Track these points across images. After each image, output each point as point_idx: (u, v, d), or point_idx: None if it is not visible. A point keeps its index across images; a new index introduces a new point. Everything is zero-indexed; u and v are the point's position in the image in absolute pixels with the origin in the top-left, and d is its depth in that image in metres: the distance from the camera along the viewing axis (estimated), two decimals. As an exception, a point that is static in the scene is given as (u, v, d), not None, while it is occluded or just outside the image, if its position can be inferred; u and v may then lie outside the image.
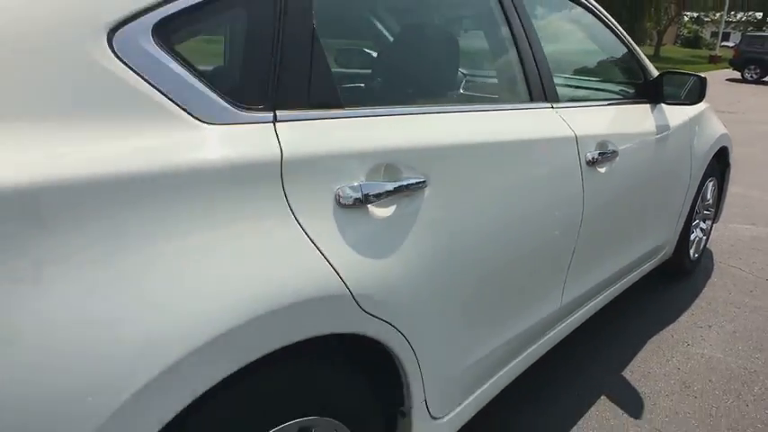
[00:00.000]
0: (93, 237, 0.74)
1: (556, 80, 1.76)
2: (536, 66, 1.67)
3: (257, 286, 0.88)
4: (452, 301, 1.29)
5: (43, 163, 0.72)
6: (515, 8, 1.62)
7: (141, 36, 0.86)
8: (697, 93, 2.28)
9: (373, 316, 1.06)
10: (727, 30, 39.32)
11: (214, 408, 0.87)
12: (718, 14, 33.83)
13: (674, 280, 2.98)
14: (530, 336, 1.70)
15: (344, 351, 1.13)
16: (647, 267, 2.55)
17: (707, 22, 39.64)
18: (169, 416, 0.79)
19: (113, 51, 0.83)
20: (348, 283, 1.00)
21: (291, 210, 0.95)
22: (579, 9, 2.08)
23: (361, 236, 1.05)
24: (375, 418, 1.21)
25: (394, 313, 1.10)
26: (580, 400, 1.99)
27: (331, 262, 0.98)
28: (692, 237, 2.99)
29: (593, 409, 1.95)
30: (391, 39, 1.45)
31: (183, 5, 0.91)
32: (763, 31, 35.66)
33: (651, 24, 28.39)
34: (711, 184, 3.05)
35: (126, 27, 0.85)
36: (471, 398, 1.48)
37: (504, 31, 1.60)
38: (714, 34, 39.38)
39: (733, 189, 4.00)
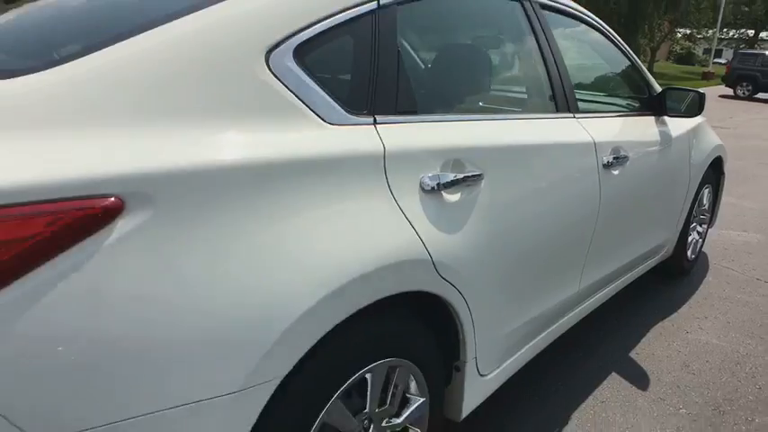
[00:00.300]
0: (266, 200, 1.01)
1: (576, 94, 2.06)
2: (561, 83, 1.96)
3: (370, 249, 1.15)
4: (500, 274, 1.56)
5: (203, 151, 0.97)
6: (545, 36, 1.92)
7: (286, 56, 1.13)
8: (696, 107, 2.58)
9: (445, 279, 1.33)
10: (720, 47, 40.03)
11: (336, 344, 1.13)
12: (710, 32, 34.56)
13: (673, 278, 3.27)
14: (555, 312, 1.97)
15: (418, 310, 1.40)
16: (651, 263, 2.84)
17: (699, 38, 40.37)
18: (311, 343, 1.06)
19: (269, 67, 1.10)
20: (430, 251, 1.27)
21: (391, 191, 1.23)
22: (594, 32, 2.38)
23: (438, 215, 1.32)
24: (438, 368, 1.48)
25: (459, 279, 1.38)
26: (594, 375, 2.26)
27: (419, 234, 1.26)
28: (690, 239, 3.28)
29: (605, 382, 2.22)
30: (454, 61, 1.74)
31: (311, 35, 1.19)
32: (755, 48, 36.43)
33: (645, 41, 28.96)
34: (707, 190, 3.34)
35: (276, 50, 1.12)
36: (510, 360, 1.75)
37: (537, 55, 1.90)
38: (707, 51, 40.15)
39: (726, 199, 4.29)
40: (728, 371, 2.35)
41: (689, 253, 3.30)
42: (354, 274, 1.11)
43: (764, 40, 41.23)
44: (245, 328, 0.96)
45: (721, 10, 28.12)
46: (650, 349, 2.50)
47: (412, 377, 1.41)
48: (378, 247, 1.17)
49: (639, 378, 2.26)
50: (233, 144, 1.00)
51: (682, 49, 46.24)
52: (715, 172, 3.36)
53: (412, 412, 1.43)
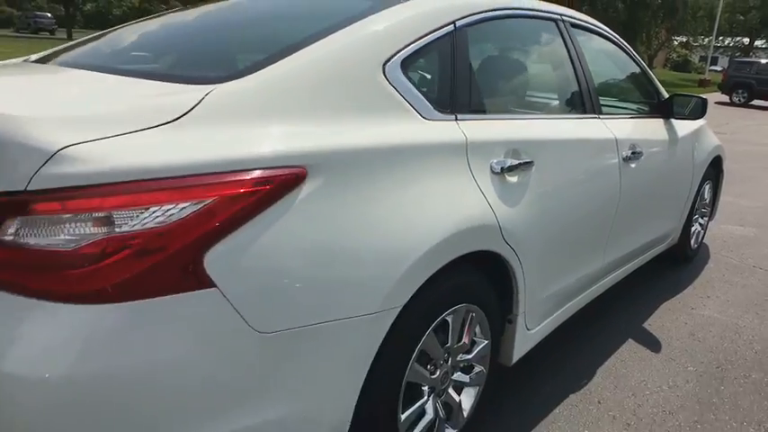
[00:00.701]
0: (391, 173, 1.36)
1: (599, 99, 2.42)
2: (588, 89, 2.33)
3: (461, 214, 1.51)
4: (545, 243, 1.91)
5: (350, 136, 1.33)
6: (576, 50, 2.30)
7: (395, 67, 1.50)
8: (699, 110, 2.95)
9: (507, 243, 1.69)
10: (715, 54, 40.67)
11: (434, 287, 1.48)
12: (706, 39, 35.16)
13: (678, 265, 3.63)
14: (583, 283, 2.33)
15: (483, 269, 1.75)
16: (659, 249, 3.20)
17: (696, 46, 40.98)
18: (420, 282, 1.41)
19: (384, 76, 1.46)
20: (498, 219, 1.63)
21: (471, 172, 1.58)
22: (612, 45, 2.75)
23: (502, 192, 1.68)
24: (498, 318, 1.83)
25: (516, 244, 1.73)
26: (613, 341, 2.61)
27: (491, 206, 1.61)
28: (693, 229, 3.65)
29: (623, 346, 2.57)
30: (509, 71, 2.11)
31: (411, 51, 1.55)
32: (750, 56, 37.01)
33: (642, 48, 29.50)
34: (708, 186, 3.71)
35: (389, 62, 1.49)
36: (549, 319, 2.10)
37: (569, 65, 2.27)
38: (703, 58, 40.75)
39: (724, 198, 4.65)
40: (729, 339, 2.71)
41: (692, 242, 3.67)
42: (451, 231, 1.46)
43: (759, 48, 41.89)
44: (383, 265, 1.31)
45: (717, 18, 28.69)
46: (660, 322, 2.85)
47: (478, 323, 1.77)
48: (465, 213, 1.53)
49: (653, 344, 2.62)
50: (368, 132, 1.36)
51: (678, 56, 46.92)
52: (714, 170, 3.73)
53: (479, 351, 1.78)
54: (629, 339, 2.65)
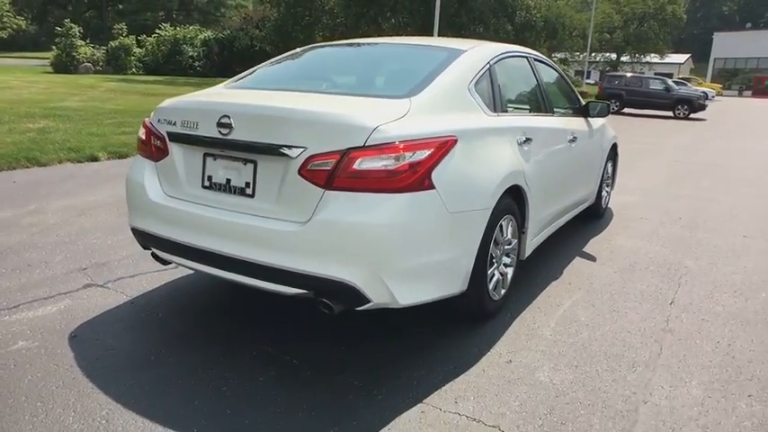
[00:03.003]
0: (483, 141, 2.74)
1: (552, 103, 3.93)
2: (548, 98, 3.84)
3: (510, 165, 2.91)
4: (539, 185, 3.35)
5: (465, 122, 2.69)
6: (540, 75, 3.81)
7: (473, 87, 2.89)
8: (605, 112, 4.57)
9: (525, 181, 3.10)
10: (589, 69, 45.65)
11: (499, 202, 2.84)
12: (581, 56, 39.59)
13: (596, 219, 5.26)
14: (553, 217, 3.81)
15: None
16: (585, 205, 4.79)
17: (572, 62, 45.69)
18: (497, 198, 2.77)
19: (469, 92, 2.84)
20: (522, 169, 3.04)
21: (509, 143, 2.99)
22: (553, 71, 4.31)
23: (522, 155, 3.10)
24: (518, 228, 3.23)
25: (528, 183, 3.14)
26: (568, 255, 4.11)
27: (519, 162, 3.03)
28: (603, 194, 5.30)
29: (576, 259, 4.08)
30: (515, 87, 3.57)
31: (476, 79, 2.94)
32: (618, 70, 42.09)
33: (530, 64, 32.76)
34: (610, 164, 5.40)
35: (470, 84, 2.87)
36: (537, 237, 3.55)
37: (537, 84, 3.78)
38: (578, 73, 45.60)
39: (617, 179, 6.44)
40: (635, 254, 4.32)
41: (603, 203, 5.33)
42: (507, 171, 2.86)
43: (624, 62, 47.56)
44: (487, 184, 2.67)
45: (590, 38, 32.69)
46: (592, 247, 4.41)
47: (513, 228, 3.15)
48: (510, 164, 2.93)
49: (589, 257, 4.16)
50: (470, 119, 2.73)
51: (558, 71, 51.71)
52: (613, 153, 5.43)
53: (513, 245, 3.18)
54: (577, 256, 4.17)
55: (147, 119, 2.93)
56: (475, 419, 2.17)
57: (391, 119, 2.36)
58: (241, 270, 2.49)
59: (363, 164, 2.26)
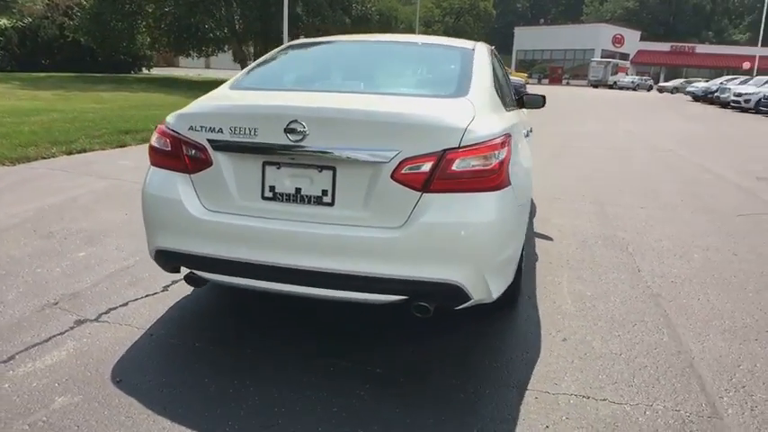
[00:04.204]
0: (518, 134, 2.89)
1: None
2: (510, 91, 4.11)
3: (530, 158, 3.10)
4: (519, 170, 3.60)
5: (506, 119, 2.83)
6: (501, 72, 4.05)
7: (494, 85, 3.01)
8: (540, 103, 4.99)
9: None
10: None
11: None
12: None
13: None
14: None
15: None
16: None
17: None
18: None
19: (495, 90, 2.98)
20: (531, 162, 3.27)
21: (523, 138, 3.18)
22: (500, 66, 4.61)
23: (530, 149, 3.32)
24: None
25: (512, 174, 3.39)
26: (527, 249, 4.46)
27: (531, 155, 3.24)
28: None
29: (537, 250, 4.44)
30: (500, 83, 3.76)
31: (492, 79, 3.08)
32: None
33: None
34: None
35: (493, 83, 3.00)
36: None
37: (505, 78, 4.01)
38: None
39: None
40: (578, 230, 4.81)
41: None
42: (531, 165, 3.05)
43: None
44: (530, 179, 2.83)
45: (416, 30, 34.55)
46: (541, 229, 4.82)
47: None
48: (530, 158, 3.12)
49: (547, 238, 4.55)
50: (505, 117, 2.87)
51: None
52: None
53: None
54: (535, 237, 4.54)
55: (163, 126, 2.58)
56: (584, 396, 2.34)
57: (469, 119, 2.40)
58: (320, 283, 2.36)
59: (460, 165, 2.28)
